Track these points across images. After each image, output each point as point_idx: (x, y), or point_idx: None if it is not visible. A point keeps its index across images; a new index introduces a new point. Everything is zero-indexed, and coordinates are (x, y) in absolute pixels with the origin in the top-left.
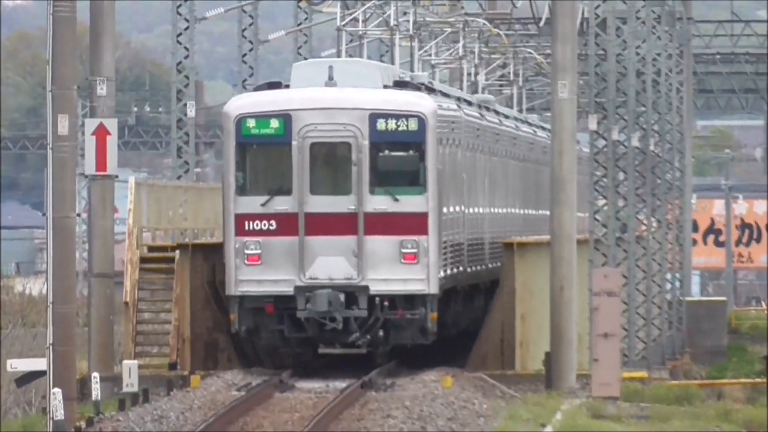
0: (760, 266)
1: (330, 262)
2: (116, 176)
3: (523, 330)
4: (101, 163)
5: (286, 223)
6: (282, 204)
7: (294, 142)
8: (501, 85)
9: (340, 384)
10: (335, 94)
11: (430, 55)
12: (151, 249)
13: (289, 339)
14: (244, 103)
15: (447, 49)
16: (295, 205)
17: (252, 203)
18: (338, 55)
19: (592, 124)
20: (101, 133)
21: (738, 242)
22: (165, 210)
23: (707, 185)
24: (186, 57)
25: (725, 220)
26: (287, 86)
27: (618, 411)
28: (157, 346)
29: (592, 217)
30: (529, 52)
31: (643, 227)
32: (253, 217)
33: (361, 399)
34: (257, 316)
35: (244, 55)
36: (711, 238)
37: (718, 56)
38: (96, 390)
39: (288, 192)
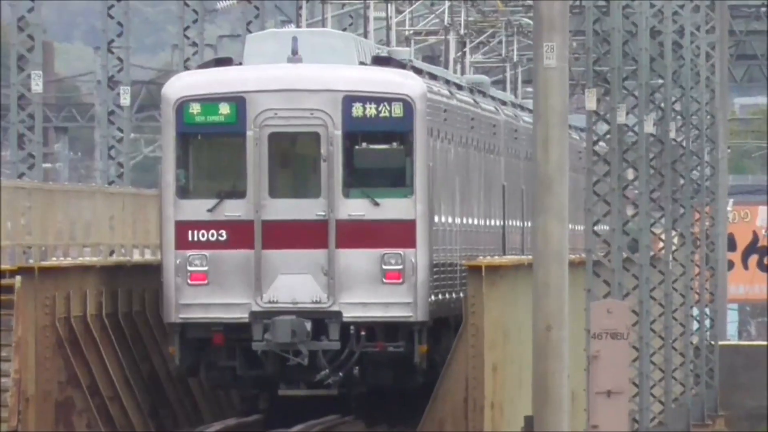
0: None
1: (294, 282)
2: None
3: (494, 385)
4: None
5: (240, 233)
6: (234, 209)
7: (249, 132)
8: (493, 63)
9: None
10: (300, 72)
11: (403, 25)
12: None
13: (242, 378)
14: (186, 83)
15: (428, 15)
16: (250, 210)
17: (197, 208)
18: (298, 25)
19: (591, 103)
20: None
21: None
22: (2, 220)
23: (748, 186)
24: (30, 10)
25: None
26: (240, 64)
27: None
28: None
29: (589, 230)
30: (526, 21)
31: (661, 244)
32: (198, 225)
33: None
34: (203, 349)
35: (111, 6)
36: (753, 259)
37: (763, 9)
38: None
39: (242, 194)
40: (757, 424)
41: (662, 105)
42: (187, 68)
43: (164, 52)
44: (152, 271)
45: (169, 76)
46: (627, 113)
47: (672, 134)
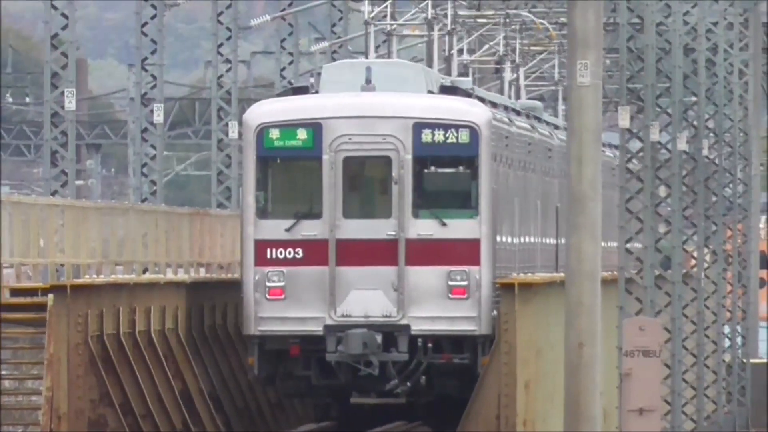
0: None
1: (366, 297)
2: None
3: (527, 403)
4: None
5: (315, 251)
6: (310, 229)
7: (325, 156)
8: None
9: None
10: (373, 100)
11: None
12: (14, 292)
13: (316, 387)
14: (266, 110)
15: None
16: (325, 230)
17: (275, 228)
18: (366, 55)
19: (624, 120)
20: None
21: None
22: (34, 237)
23: None
24: (64, 27)
25: None
26: (316, 92)
27: None
28: (21, 425)
29: (622, 247)
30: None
31: (693, 261)
32: (276, 243)
33: None
34: (280, 359)
35: (144, 24)
36: None
37: None
38: None
39: (317, 215)
40: None
41: (695, 122)
42: (220, 85)
43: (197, 68)
44: (185, 289)
45: (201, 92)
46: (660, 131)
47: (705, 151)
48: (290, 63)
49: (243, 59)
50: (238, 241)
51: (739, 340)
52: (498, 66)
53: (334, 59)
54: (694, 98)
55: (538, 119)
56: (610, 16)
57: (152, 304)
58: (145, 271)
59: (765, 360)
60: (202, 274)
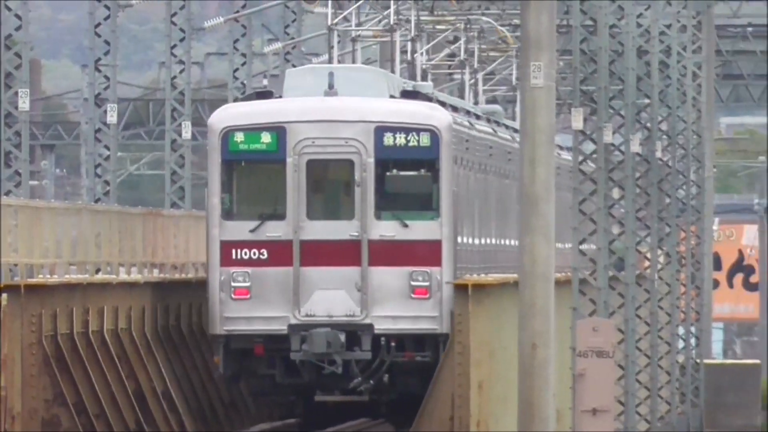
0: None
1: (329, 297)
2: None
3: (480, 404)
4: None
5: (279, 252)
6: (274, 230)
7: (289, 159)
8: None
9: None
10: (336, 104)
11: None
12: None
13: (281, 385)
14: (230, 113)
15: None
16: (289, 231)
17: (240, 229)
18: (330, 60)
19: (577, 122)
20: None
21: None
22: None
23: (734, 205)
24: (18, 28)
25: (759, 254)
26: (280, 96)
27: None
28: None
29: (576, 249)
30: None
31: (647, 263)
32: (241, 244)
33: None
34: (245, 358)
35: (98, 25)
36: (739, 277)
37: (749, 29)
38: None
39: (281, 216)
40: None
41: (648, 124)
42: (174, 86)
43: (151, 70)
44: (138, 289)
45: (155, 93)
46: (613, 133)
47: (658, 153)
48: (243, 64)
49: (196, 60)
50: (191, 241)
51: (692, 341)
52: (457, 72)
53: (287, 60)
54: (647, 100)
55: (498, 123)
56: (564, 18)
57: (105, 304)
58: (98, 271)
59: (718, 361)
60: (156, 274)
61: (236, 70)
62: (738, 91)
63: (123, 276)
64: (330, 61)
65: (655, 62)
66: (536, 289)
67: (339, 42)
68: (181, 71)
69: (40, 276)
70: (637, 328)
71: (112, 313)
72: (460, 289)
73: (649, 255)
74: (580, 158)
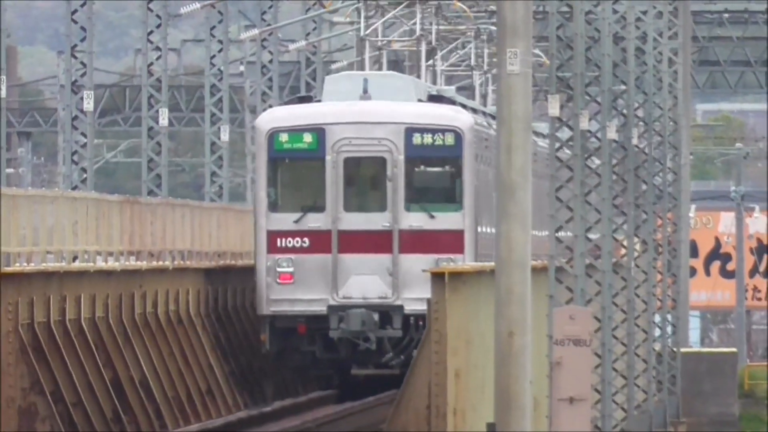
0: None
1: (364, 281)
2: None
3: (457, 392)
4: None
5: (320, 241)
6: (315, 221)
7: (328, 157)
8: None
9: None
10: (370, 108)
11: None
12: None
13: (320, 360)
14: (276, 116)
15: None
16: (328, 222)
17: (284, 220)
18: (361, 67)
19: (554, 109)
20: None
21: (753, 272)
22: None
23: (711, 192)
24: None
25: (735, 241)
26: (319, 100)
27: None
28: None
29: (552, 236)
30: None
31: (623, 250)
32: (285, 234)
33: None
34: (288, 336)
35: (74, 11)
36: (716, 265)
37: (726, 15)
38: None
39: (321, 209)
40: (719, 431)
41: (625, 111)
42: (151, 73)
43: (127, 56)
44: (115, 277)
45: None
46: (590, 119)
47: (634, 140)
48: (220, 50)
49: (173, 47)
50: (168, 228)
51: (669, 329)
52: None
53: (263, 47)
54: (623, 87)
55: None
56: (540, 5)
57: (82, 292)
58: (75, 259)
59: (695, 349)
60: (133, 262)
61: (213, 56)
62: (714, 77)
63: (100, 264)
64: (363, 68)
65: (631, 48)
66: (513, 276)
67: (310, 33)
68: (158, 58)
69: (17, 264)
70: (613, 316)
71: (89, 301)
72: (437, 277)
73: (625, 243)
74: (557, 145)
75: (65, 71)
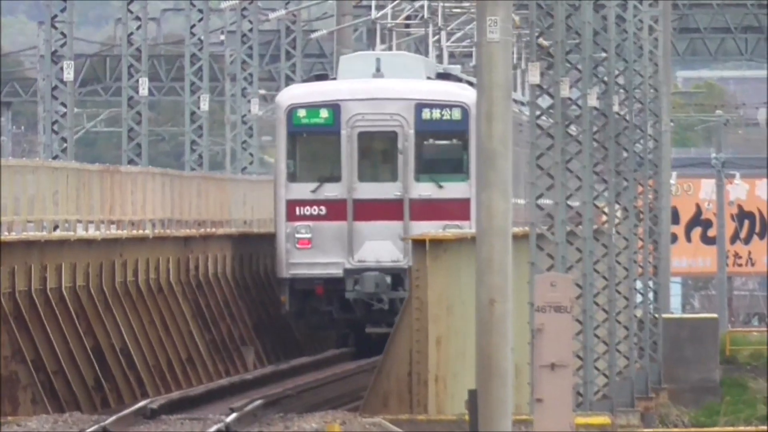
0: (763, 271)
1: (377, 246)
2: None
3: (438, 359)
4: None
5: (336, 209)
6: (331, 191)
7: (343, 131)
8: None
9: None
10: (382, 85)
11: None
12: None
13: (337, 320)
14: (294, 93)
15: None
16: (344, 191)
17: (302, 190)
18: (373, 48)
19: (534, 76)
20: None
21: (734, 238)
22: None
23: (691, 159)
24: None
25: (716, 208)
26: (335, 79)
27: None
28: None
29: (533, 203)
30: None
31: (604, 217)
32: (303, 203)
33: None
34: (307, 297)
35: None
36: (697, 231)
37: None
38: None
39: (337, 179)
40: (701, 397)
41: (605, 78)
42: (131, 42)
43: (107, 26)
44: (95, 246)
45: (112, 49)
46: (570, 87)
47: (615, 108)
48: (200, 20)
49: (153, 16)
50: (148, 196)
51: (650, 295)
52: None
53: (244, 16)
54: (604, 54)
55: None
56: None
57: (63, 261)
58: (56, 228)
59: (676, 315)
60: (113, 231)
61: (193, 26)
62: (695, 44)
63: (81, 233)
64: (373, 48)
65: (611, 16)
66: (494, 244)
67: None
68: (138, 27)
69: None
70: (594, 283)
71: (70, 270)
72: (418, 244)
73: (606, 210)
74: (538, 113)
75: (45, 41)
